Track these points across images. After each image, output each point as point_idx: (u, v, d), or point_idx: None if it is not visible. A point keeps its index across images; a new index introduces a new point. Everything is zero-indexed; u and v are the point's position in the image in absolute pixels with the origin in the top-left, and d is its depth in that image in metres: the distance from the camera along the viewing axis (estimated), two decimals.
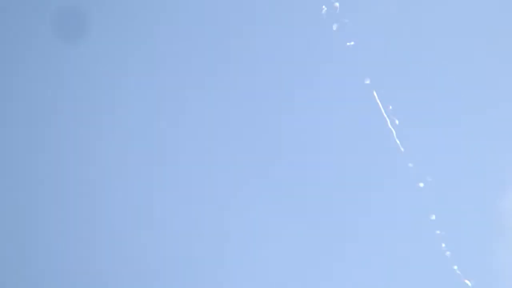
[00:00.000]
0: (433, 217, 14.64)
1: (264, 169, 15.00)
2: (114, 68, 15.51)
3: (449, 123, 15.17)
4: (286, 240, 14.75)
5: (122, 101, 15.48)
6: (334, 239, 14.85)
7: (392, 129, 15.00)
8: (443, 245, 14.39)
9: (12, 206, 14.98)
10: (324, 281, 14.82)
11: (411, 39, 15.45)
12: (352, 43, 15.09)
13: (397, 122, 15.03)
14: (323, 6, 15.09)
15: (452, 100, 15.23)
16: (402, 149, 14.94)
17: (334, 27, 15.13)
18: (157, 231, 14.80)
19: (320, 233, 14.91)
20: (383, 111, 15.05)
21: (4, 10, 15.59)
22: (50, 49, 15.57)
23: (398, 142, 14.99)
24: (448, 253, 14.49)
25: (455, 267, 14.47)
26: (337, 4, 15.12)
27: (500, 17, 15.20)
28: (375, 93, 15.09)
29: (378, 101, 15.07)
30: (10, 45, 15.50)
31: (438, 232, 14.58)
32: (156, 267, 14.79)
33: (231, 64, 15.30)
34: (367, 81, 15.06)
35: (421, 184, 14.79)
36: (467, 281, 14.40)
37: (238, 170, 14.93)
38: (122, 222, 14.82)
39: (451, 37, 15.37)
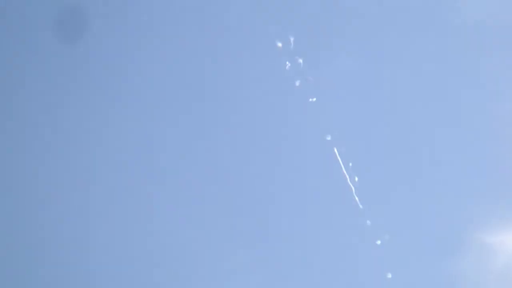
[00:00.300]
0: (389, 275, 14.85)
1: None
2: (114, 68, 15.57)
3: (409, 181, 15.36)
4: None
5: (121, 101, 15.53)
6: None
7: (352, 186, 15.17)
8: None
9: (12, 206, 14.99)
10: None
11: (373, 96, 15.63)
12: (314, 99, 15.24)
13: (356, 179, 15.20)
14: (287, 62, 15.22)
15: (412, 158, 15.42)
16: (360, 206, 15.11)
17: (297, 83, 15.27)
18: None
19: None
20: (343, 168, 15.21)
21: (4, 10, 15.58)
22: (50, 49, 15.59)
23: (357, 199, 15.16)
24: None
25: None
26: (301, 60, 15.25)
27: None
28: (335, 150, 15.25)
29: (339, 157, 15.23)
30: (10, 45, 15.47)
31: None
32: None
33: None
34: (328, 138, 15.22)
35: (379, 242, 14.98)
36: None
37: None
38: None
39: (413, 98, 15.57)
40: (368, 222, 15.02)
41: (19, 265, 14.87)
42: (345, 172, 15.13)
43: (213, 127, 15.45)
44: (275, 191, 15.37)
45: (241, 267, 15.09)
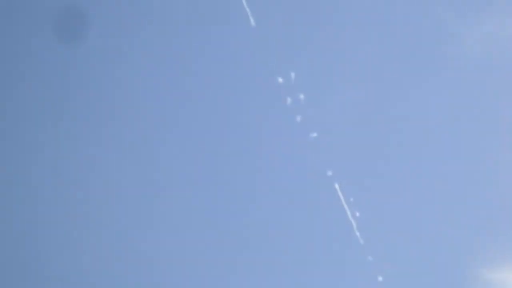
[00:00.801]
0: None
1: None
2: (114, 69, 15.63)
3: (411, 217, 15.31)
4: None
5: (122, 101, 15.58)
6: None
7: (353, 221, 15.12)
8: None
9: (12, 206, 15.03)
10: None
11: (374, 131, 15.62)
12: (315, 134, 15.24)
13: (357, 214, 15.16)
14: (287, 98, 15.26)
15: (414, 193, 15.38)
16: (361, 241, 15.06)
17: (298, 118, 15.29)
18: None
19: None
20: (344, 203, 15.18)
21: (4, 10, 15.65)
22: (50, 49, 15.62)
23: (358, 234, 15.11)
24: None
25: None
26: (302, 96, 15.28)
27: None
28: (336, 186, 15.22)
29: (340, 193, 15.20)
30: (10, 45, 15.57)
31: None
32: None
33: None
34: (329, 173, 15.20)
35: (380, 278, 14.90)
36: None
37: None
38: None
39: (415, 133, 15.56)
40: (370, 258, 14.96)
41: (19, 265, 14.91)
42: (346, 207, 15.10)
43: (213, 165, 15.47)
44: (276, 226, 15.33)
45: None
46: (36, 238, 14.75)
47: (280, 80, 15.37)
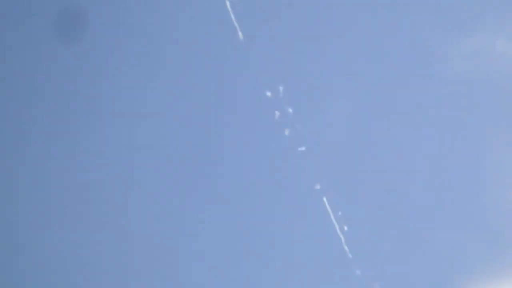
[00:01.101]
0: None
1: None
2: (113, 69, 15.57)
3: (399, 231, 15.29)
4: None
5: (121, 102, 15.48)
6: None
7: (341, 235, 15.07)
8: None
9: (11, 206, 14.85)
10: None
11: (363, 146, 15.67)
12: (304, 148, 15.25)
13: (345, 228, 15.12)
14: (276, 111, 15.28)
15: (403, 208, 15.38)
16: (350, 255, 14.99)
17: (286, 132, 15.30)
18: None
19: None
20: (332, 217, 15.13)
21: (4, 10, 15.68)
22: (50, 50, 15.60)
23: (346, 248, 15.04)
24: None
25: None
26: (290, 109, 15.31)
27: None
28: (324, 199, 15.19)
29: (328, 206, 15.16)
30: (10, 45, 15.46)
31: None
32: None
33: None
34: (318, 187, 15.17)
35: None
36: None
37: None
38: None
39: (402, 149, 15.62)
40: (358, 272, 14.89)
41: (18, 265, 14.74)
42: (334, 221, 15.05)
43: (200, 180, 15.42)
44: (264, 240, 15.25)
45: None
46: (35, 238, 14.68)
47: (269, 94, 15.41)
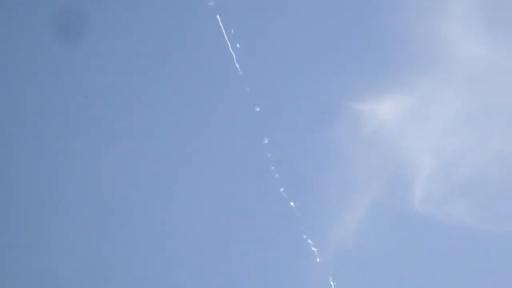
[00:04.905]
0: (266, 141, 15.65)
1: None
2: (113, 70, 15.59)
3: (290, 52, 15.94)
4: None
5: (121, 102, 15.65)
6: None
7: (233, 52, 15.61)
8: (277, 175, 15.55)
9: (11, 206, 15.04)
10: None
11: None
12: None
13: (238, 45, 15.63)
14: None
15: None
16: (241, 73, 15.64)
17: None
18: None
19: None
20: (225, 35, 15.59)
21: (4, 10, 15.16)
22: (50, 49, 15.37)
23: (237, 65, 15.65)
24: (277, 175, 15.65)
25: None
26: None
27: None
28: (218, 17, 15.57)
29: (222, 26, 15.58)
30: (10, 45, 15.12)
31: (269, 155, 15.63)
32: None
33: None
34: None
35: (257, 109, 15.65)
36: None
37: None
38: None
39: None
40: (248, 88, 15.59)
41: (19, 265, 15.13)
42: (226, 39, 15.48)
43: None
44: None
45: None
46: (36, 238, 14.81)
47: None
